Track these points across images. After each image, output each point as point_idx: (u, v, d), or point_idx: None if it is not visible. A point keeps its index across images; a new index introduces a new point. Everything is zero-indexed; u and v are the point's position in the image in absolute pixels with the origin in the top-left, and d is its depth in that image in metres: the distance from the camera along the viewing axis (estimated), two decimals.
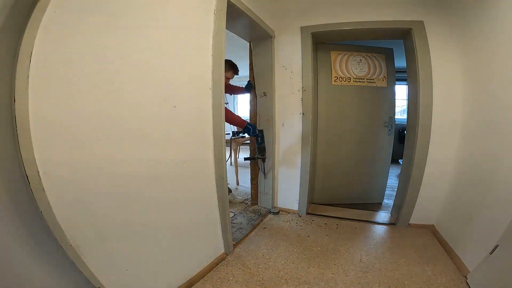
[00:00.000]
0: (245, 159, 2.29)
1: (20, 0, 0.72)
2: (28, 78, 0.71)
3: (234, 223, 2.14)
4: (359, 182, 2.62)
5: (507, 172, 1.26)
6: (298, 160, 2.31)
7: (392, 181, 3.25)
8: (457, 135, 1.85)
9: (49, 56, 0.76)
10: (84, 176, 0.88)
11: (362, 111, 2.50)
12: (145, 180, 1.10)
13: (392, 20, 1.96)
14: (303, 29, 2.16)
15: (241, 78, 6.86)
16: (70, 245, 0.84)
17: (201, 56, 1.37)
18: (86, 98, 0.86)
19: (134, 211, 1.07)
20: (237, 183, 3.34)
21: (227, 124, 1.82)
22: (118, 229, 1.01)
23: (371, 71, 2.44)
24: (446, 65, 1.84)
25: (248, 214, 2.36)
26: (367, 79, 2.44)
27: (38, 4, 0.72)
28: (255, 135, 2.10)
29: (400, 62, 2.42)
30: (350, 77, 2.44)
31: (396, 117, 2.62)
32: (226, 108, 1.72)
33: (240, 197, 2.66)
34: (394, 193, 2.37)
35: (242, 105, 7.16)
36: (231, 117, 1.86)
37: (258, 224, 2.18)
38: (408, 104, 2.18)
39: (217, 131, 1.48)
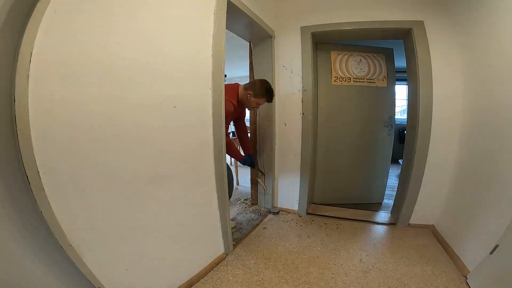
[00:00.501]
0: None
1: (20, 0, 0.72)
2: (28, 78, 0.71)
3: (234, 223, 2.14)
4: (359, 182, 2.62)
5: (507, 172, 1.26)
6: (298, 160, 2.31)
7: (392, 181, 3.25)
8: (457, 135, 1.85)
9: (49, 56, 0.76)
10: (84, 176, 0.88)
11: (362, 111, 2.50)
12: (145, 180, 1.10)
13: (392, 20, 1.96)
14: (303, 29, 2.16)
15: (241, 78, 6.89)
16: (70, 245, 0.84)
17: (201, 56, 1.37)
18: (86, 98, 0.86)
19: (134, 211, 1.07)
20: (237, 183, 3.34)
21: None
22: (118, 229, 1.01)
23: (371, 71, 2.44)
24: (446, 65, 1.84)
25: (248, 214, 2.36)
26: (367, 79, 2.44)
27: (38, 4, 0.72)
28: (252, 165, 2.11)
29: (400, 62, 2.42)
30: (350, 77, 2.44)
31: (396, 117, 2.62)
32: (229, 139, 1.69)
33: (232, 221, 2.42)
34: (394, 193, 2.37)
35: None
36: (229, 149, 1.76)
37: (258, 224, 2.18)
38: (408, 104, 2.18)
39: (217, 131, 1.48)
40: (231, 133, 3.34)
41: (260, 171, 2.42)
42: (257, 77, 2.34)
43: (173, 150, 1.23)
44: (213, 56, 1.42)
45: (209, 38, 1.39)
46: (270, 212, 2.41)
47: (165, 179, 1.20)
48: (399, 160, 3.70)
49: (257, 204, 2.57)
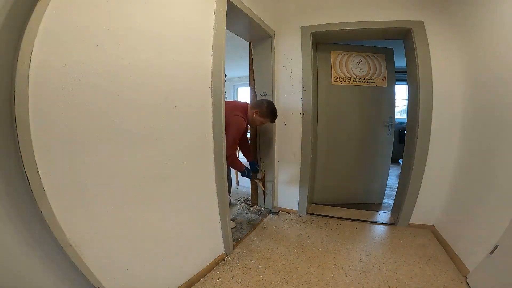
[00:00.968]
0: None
1: (20, 0, 0.72)
2: (28, 78, 0.71)
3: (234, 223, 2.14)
4: (359, 182, 2.62)
5: (507, 172, 1.26)
6: (298, 160, 2.31)
7: (392, 181, 3.25)
8: (457, 135, 1.85)
9: (49, 56, 0.76)
10: (84, 176, 0.88)
11: (362, 111, 2.50)
12: (145, 180, 1.10)
13: (392, 20, 1.96)
14: (303, 29, 2.16)
15: (241, 78, 6.89)
16: (70, 245, 0.84)
17: (201, 56, 1.37)
18: (86, 97, 0.86)
19: (134, 211, 1.07)
20: (237, 183, 3.34)
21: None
22: (118, 229, 1.01)
23: (371, 71, 2.44)
24: (446, 65, 1.84)
25: (248, 214, 2.36)
26: (367, 79, 2.44)
27: (38, 4, 0.72)
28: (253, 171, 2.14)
29: (400, 62, 2.42)
30: (350, 77, 2.44)
31: (396, 117, 2.62)
32: (235, 155, 1.78)
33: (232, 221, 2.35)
34: (394, 193, 2.37)
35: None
36: (234, 164, 1.85)
37: (258, 224, 2.18)
38: (408, 104, 2.18)
39: (217, 131, 1.47)
40: None
41: (257, 179, 2.43)
42: (257, 77, 2.34)
43: (173, 150, 1.23)
44: (213, 56, 1.42)
45: (209, 38, 1.39)
46: (270, 212, 2.41)
47: (165, 179, 1.20)
48: (399, 160, 3.70)
49: (257, 204, 2.57)
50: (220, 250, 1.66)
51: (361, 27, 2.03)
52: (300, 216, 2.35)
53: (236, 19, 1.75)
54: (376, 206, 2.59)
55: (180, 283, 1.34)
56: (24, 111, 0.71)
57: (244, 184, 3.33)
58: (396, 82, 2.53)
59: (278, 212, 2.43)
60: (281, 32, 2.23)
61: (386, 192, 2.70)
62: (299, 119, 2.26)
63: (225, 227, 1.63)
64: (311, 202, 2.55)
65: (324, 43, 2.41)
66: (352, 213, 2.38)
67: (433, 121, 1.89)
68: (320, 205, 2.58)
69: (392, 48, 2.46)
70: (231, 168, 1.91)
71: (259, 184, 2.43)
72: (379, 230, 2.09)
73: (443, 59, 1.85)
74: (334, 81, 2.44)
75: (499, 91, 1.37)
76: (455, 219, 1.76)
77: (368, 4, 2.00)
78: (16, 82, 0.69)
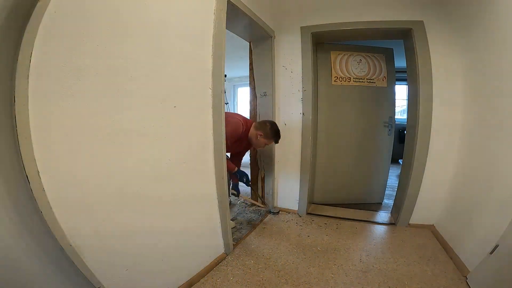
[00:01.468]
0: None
1: (20, 0, 0.72)
2: (28, 78, 0.71)
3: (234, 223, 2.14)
4: (359, 182, 2.62)
5: (507, 172, 1.26)
6: (298, 160, 2.31)
7: (392, 181, 3.25)
8: (457, 135, 1.85)
9: (49, 56, 0.76)
10: (84, 176, 0.88)
11: (362, 111, 2.50)
12: (145, 180, 1.10)
13: (392, 20, 1.96)
14: (303, 29, 2.16)
15: (241, 78, 6.88)
16: (70, 245, 0.84)
17: (201, 56, 1.37)
18: (86, 97, 0.86)
19: (134, 211, 1.07)
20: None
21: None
22: (118, 229, 1.01)
23: (371, 71, 2.44)
24: (446, 65, 1.84)
25: (248, 214, 2.36)
26: (367, 79, 2.44)
27: (38, 4, 0.71)
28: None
29: (400, 62, 2.42)
30: (350, 77, 2.44)
31: (396, 117, 2.62)
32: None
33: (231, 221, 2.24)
34: (394, 193, 2.37)
35: (242, 105, 7.16)
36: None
37: (258, 224, 2.18)
38: (408, 104, 2.18)
39: (217, 131, 1.47)
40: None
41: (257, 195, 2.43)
42: (257, 77, 2.34)
43: (173, 150, 1.23)
44: (213, 56, 1.42)
45: (209, 38, 1.39)
46: (270, 212, 2.41)
47: (165, 179, 1.20)
48: (399, 160, 3.70)
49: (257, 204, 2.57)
50: (220, 250, 1.66)
51: (361, 27, 2.03)
52: (300, 216, 2.35)
53: (236, 19, 1.75)
54: (376, 206, 2.59)
55: (180, 283, 1.34)
56: (24, 111, 0.71)
57: (244, 184, 3.32)
58: (396, 82, 2.53)
59: (278, 212, 2.43)
60: (281, 32, 2.23)
61: (386, 192, 2.70)
62: (299, 119, 2.26)
63: (225, 227, 1.63)
64: (311, 202, 2.55)
65: (324, 43, 2.41)
66: (352, 213, 2.38)
67: (433, 121, 1.89)
68: (320, 205, 2.58)
69: (392, 48, 2.46)
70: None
71: (258, 202, 2.43)
72: (379, 230, 2.09)
73: (443, 59, 1.85)
74: (334, 81, 2.44)
75: (499, 91, 1.37)
76: (455, 219, 1.76)
77: (368, 4, 2.00)
78: (16, 82, 0.69)
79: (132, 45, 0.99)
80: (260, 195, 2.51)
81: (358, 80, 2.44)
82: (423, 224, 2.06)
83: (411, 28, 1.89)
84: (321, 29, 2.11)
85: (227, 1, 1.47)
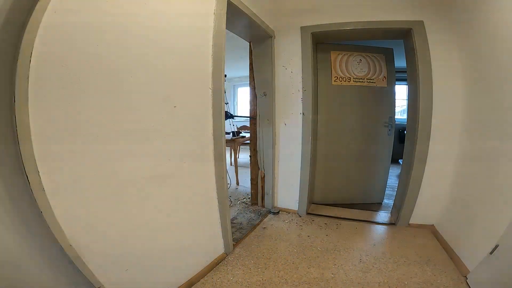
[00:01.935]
0: None
1: (20, 0, 0.72)
2: (28, 78, 0.71)
3: (234, 223, 2.14)
4: (359, 182, 2.62)
5: (507, 172, 1.26)
6: (298, 160, 2.31)
7: (392, 181, 3.25)
8: (457, 135, 1.85)
9: (49, 56, 0.76)
10: (84, 176, 0.88)
11: (362, 111, 2.50)
12: (145, 180, 1.10)
13: (392, 20, 1.96)
14: (303, 29, 2.16)
15: (241, 78, 6.88)
16: (70, 245, 0.84)
17: (201, 56, 1.37)
18: (86, 97, 0.86)
19: (134, 211, 1.07)
20: (237, 183, 3.34)
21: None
22: (118, 229, 1.01)
23: (371, 71, 2.44)
24: (446, 65, 1.84)
25: (248, 214, 2.36)
26: (367, 79, 2.44)
27: (38, 4, 0.72)
28: None
29: (400, 62, 2.42)
30: (350, 77, 2.44)
31: (396, 117, 2.62)
32: None
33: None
34: (394, 193, 2.38)
35: (242, 105, 7.16)
36: None
37: (258, 224, 2.18)
38: (408, 104, 2.18)
39: (217, 131, 1.48)
40: (231, 133, 3.35)
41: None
42: (257, 77, 2.34)
43: (173, 150, 1.23)
44: (213, 56, 1.42)
45: (209, 38, 1.40)
46: (270, 212, 2.41)
47: (165, 179, 1.20)
48: (399, 160, 3.70)
49: (257, 204, 2.57)
50: (220, 250, 1.66)
51: (361, 27, 2.03)
52: (300, 216, 2.35)
53: (236, 19, 1.75)
54: (376, 206, 2.59)
55: (180, 283, 1.34)
56: (24, 111, 0.71)
57: (244, 184, 3.33)
58: (396, 82, 2.53)
59: (278, 212, 2.42)
60: (281, 32, 2.23)
61: (386, 192, 2.70)
62: (299, 119, 2.26)
63: (225, 227, 1.63)
64: (311, 202, 2.55)
65: (324, 43, 2.41)
66: (352, 213, 2.37)
67: (433, 121, 1.89)
68: (320, 205, 2.58)
69: (392, 48, 2.46)
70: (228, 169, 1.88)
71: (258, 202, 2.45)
72: (379, 230, 2.09)
73: (443, 59, 1.85)
74: (334, 81, 2.44)
75: (499, 91, 1.37)
76: (455, 219, 1.76)
77: (368, 4, 2.00)
78: (16, 82, 0.69)
79: (132, 45, 0.99)
80: (260, 195, 2.50)
81: (358, 80, 2.44)
82: (423, 224, 2.06)
83: (411, 28, 1.89)
84: (321, 29, 2.11)
85: (227, 1, 1.47)
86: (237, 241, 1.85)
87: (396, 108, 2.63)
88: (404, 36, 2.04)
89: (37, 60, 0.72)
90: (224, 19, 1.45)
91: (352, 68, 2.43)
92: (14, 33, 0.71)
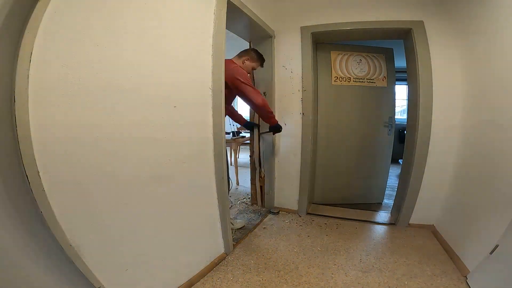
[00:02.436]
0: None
1: (20, 0, 0.72)
2: (28, 78, 0.71)
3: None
4: (359, 182, 2.62)
5: (507, 172, 1.26)
6: (298, 160, 2.31)
7: (392, 181, 3.25)
8: (457, 135, 1.85)
9: (49, 56, 0.76)
10: (84, 176, 0.88)
11: (362, 111, 2.50)
12: (145, 180, 1.10)
13: (392, 20, 1.96)
14: (303, 29, 2.16)
15: None
16: (70, 245, 0.84)
17: (201, 56, 1.37)
18: (86, 97, 0.86)
19: (134, 211, 1.07)
20: (237, 183, 3.34)
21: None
22: (118, 229, 1.01)
23: (371, 71, 2.44)
24: (446, 65, 1.84)
25: (248, 214, 2.36)
26: (367, 79, 2.44)
27: (38, 4, 0.72)
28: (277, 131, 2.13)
29: (400, 62, 2.42)
30: (350, 77, 2.44)
31: (396, 117, 2.62)
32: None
33: (241, 220, 2.16)
34: (394, 193, 2.37)
35: (242, 105, 7.16)
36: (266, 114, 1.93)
37: (258, 224, 2.18)
38: (408, 104, 2.18)
39: (217, 131, 1.47)
40: (231, 133, 3.35)
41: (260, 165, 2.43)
42: (257, 77, 2.34)
43: (173, 150, 1.23)
44: (213, 56, 1.42)
45: (209, 38, 1.39)
46: (270, 212, 2.41)
47: (165, 179, 1.20)
48: (399, 160, 3.70)
49: (257, 204, 2.57)
50: (220, 250, 1.66)
51: (361, 27, 2.03)
52: (300, 216, 2.35)
53: (236, 19, 1.75)
54: (376, 206, 2.59)
55: (180, 283, 1.34)
56: (24, 111, 0.71)
57: (244, 184, 3.33)
58: (396, 82, 2.53)
59: (278, 212, 2.42)
60: (281, 32, 2.23)
61: (386, 192, 2.70)
62: (299, 119, 2.26)
63: (225, 227, 1.63)
64: (311, 202, 2.55)
65: (324, 43, 2.41)
66: (352, 213, 2.37)
67: (433, 121, 1.89)
68: (320, 205, 2.58)
69: (392, 48, 2.46)
70: (229, 169, 1.90)
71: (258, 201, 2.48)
72: (379, 230, 2.09)
73: (443, 59, 1.85)
74: (334, 81, 2.44)
75: (499, 91, 1.37)
76: (455, 219, 1.76)
77: (368, 4, 2.00)
78: (16, 82, 0.69)
79: (132, 45, 0.99)
80: (260, 195, 2.50)
81: (358, 80, 2.44)
82: (423, 224, 2.06)
83: (411, 28, 1.89)
84: (321, 29, 2.11)
85: (227, 1, 1.47)
86: (237, 241, 1.85)
87: (396, 108, 2.63)
88: (404, 36, 2.04)
89: (37, 60, 0.72)
90: (224, 19, 1.45)
91: (352, 68, 2.43)
92: (14, 33, 0.71)
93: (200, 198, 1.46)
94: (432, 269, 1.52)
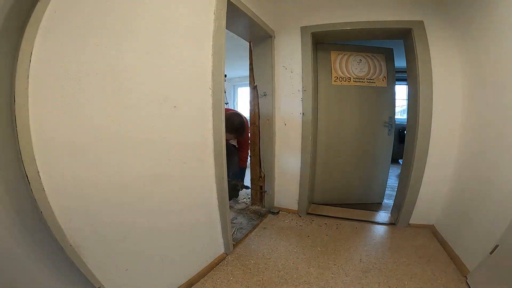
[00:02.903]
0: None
1: (20, 0, 0.72)
2: (28, 78, 0.71)
3: (234, 223, 2.14)
4: (359, 182, 2.62)
5: (507, 172, 1.26)
6: (298, 160, 2.31)
7: (392, 181, 3.25)
8: (457, 135, 1.85)
9: (49, 56, 0.76)
10: (84, 176, 0.88)
11: (362, 111, 2.50)
12: (145, 180, 1.10)
13: (392, 20, 1.95)
14: (303, 29, 2.16)
15: (241, 78, 6.87)
16: (70, 245, 0.84)
17: (201, 56, 1.37)
18: (86, 98, 0.86)
19: (134, 211, 1.07)
20: None
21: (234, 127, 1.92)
22: (118, 229, 1.01)
23: (371, 71, 2.44)
24: (446, 65, 1.84)
25: (248, 214, 2.36)
26: (367, 79, 2.44)
27: (38, 4, 0.72)
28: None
29: (400, 62, 2.42)
30: (350, 77, 2.44)
31: (396, 117, 2.62)
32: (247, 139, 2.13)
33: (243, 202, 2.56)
34: (394, 193, 2.37)
35: (242, 105, 7.16)
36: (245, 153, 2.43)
37: (258, 224, 2.18)
38: (408, 104, 2.18)
39: (217, 131, 1.47)
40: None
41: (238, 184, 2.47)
42: (257, 77, 2.34)
43: (173, 150, 1.23)
44: (213, 56, 1.42)
45: (209, 38, 1.39)
46: (270, 212, 2.41)
47: (165, 179, 1.20)
48: (399, 160, 3.70)
49: (257, 204, 2.57)
50: (220, 250, 1.66)
51: (361, 27, 2.03)
52: (300, 216, 2.35)
53: (236, 19, 1.75)
54: (376, 206, 2.58)
55: (180, 283, 1.34)
56: (24, 111, 0.71)
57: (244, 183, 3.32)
58: (396, 82, 2.53)
59: (278, 212, 2.42)
60: (281, 32, 2.23)
61: (386, 192, 2.70)
62: (299, 119, 2.26)
63: (225, 227, 1.63)
64: (311, 202, 2.55)
65: (324, 43, 2.41)
66: (352, 213, 2.37)
67: (433, 121, 1.89)
68: (320, 205, 2.58)
69: (392, 48, 2.46)
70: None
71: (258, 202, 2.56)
72: (379, 230, 2.09)
73: (443, 59, 1.85)
74: (334, 81, 2.44)
75: (499, 91, 1.37)
76: (455, 219, 1.76)
77: (368, 4, 2.00)
78: (16, 82, 0.69)
79: (132, 45, 0.99)
80: (260, 195, 2.50)
81: (358, 80, 2.44)
82: (423, 224, 2.06)
83: (411, 28, 1.89)
84: (321, 29, 2.11)
85: (227, 1, 1.47)
86: (237, 241, 1.85)
87: (396, 108, 2.63)
88: (404, 36, 2.04)
89: (37, 60, 0.72)
90: (224, 19, 1.45)
91: (352, 68, 2.43)
92: (14, 33, 0.71)
93: (200, 198, 1.46)
94: (432, 269, 1.52)
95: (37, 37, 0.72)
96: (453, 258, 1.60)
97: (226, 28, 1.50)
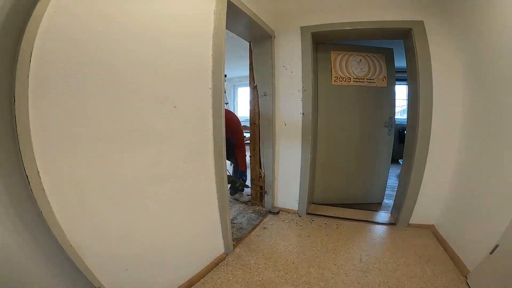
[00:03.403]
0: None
1: (20, 0, 0.72)
2: (28, 78, 0.71)
3: (234, 223, 2.14)
4: (359, 182, 2.62)
5: (507, 172, 1.26)
6: (298, 160, 2.31)
7: (392, 181, 3.25)
8: (457, 135, 1.85)
9: (49, 56, 0.76)
10: (84, 176, 0.88)
11: (362, 111, 2.50)
12: (145, 180, 1.10)
13: (392, 20, 1.95)
14: (303, 29, 2.16)
15: (241, 78, 6.88)
16: (70, 245, 0.84)
17: (201, 56, 1.37)
18: (86, 97, 0.86)
19: (134, 211, 1.07)
20: None
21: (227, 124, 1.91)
22: (118, 229, 1.01)
23: (371, 71, 2.44)
24: (446, 65, 1.84)
25: (248, 214, 2.36)
26: (367, 79, 2.44)
27: (38, 4, 0.72)
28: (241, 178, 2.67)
29: (400, 62, 2.42)
30: (350, 77, 2.44)
31: (396, 117, 2.62)
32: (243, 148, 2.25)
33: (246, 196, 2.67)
34: (394, 193, 2.37)
35: (242, 105, 7.16)
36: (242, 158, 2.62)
37: (258, 224, 2.18)
38: (408, 104, 2.18)
39: (217, 131, 1.47)
40: None
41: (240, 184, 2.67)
42: (257, 77, 2.34)
43: (173, 150, 1.23)
44: (213, 56, 1.42)
45: (209, 38, 1.39)
46: (270, 212, 2.41)
47: (165, 179, 1.20)
48: (399, 160, 3.70)
49: (257, 204, 2.57)
50: (220, 250, 1.66)
51: (361, 27, 2.03)
52: (300, 216, 2.35)
53: (236, 19, 1.75)
54: (376, 206, 2.59)
55: (180, 283, 1.34)
56: (24, 111, 0.71)
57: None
58: (396, 82, 2.53)
59: (278, 212, 2.42)
60: (281, 32, 2.23)
61: (386, 192, 2.70)
62: (299, 119, 2.26)
63: (225, 227, 1.63)
64: (311, 202, 2.55)
65: (324, 43, 2.41)
66: (352, 213, 2.37)
67: (433, 121, 1.89)
68: (320, 205, 2.58)
69: (392, 48, 2.46)
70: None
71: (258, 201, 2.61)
72: (379, 230, 2.09)
73: (443, 59, 1.85)
74: (334, 81, 2.44)
75: (499, 91, 1.37)
76: (455, 219, 1.76)
77: (368, 4, 2.00)
78: (16, 82, 0.69)
79: (132, 45, 0.99)
80: (260, 195, 2.51)
81: (358, 80, 2.44)
82: (423, 224, 2.06)
83: (411, 28, 1.89)
84: (321, 29, 2.11)
85: (227, 1, 1.47)
86: (237, 241, 1.85)
87: (396, 108, 2.63)
88: (404, 36, 2.04)
89: (37, 60, 0.72)
90: (224, 19, 1.45)
91: (352, 68, 2.43)
92: (14, 33, 0.71)
93: (200, 198, 1.46)
94: (432, 269, 1.52)
95: (37, 37, 0.72)
96: (453, 258, 1.60)
97: (226, 28, 1.50)
